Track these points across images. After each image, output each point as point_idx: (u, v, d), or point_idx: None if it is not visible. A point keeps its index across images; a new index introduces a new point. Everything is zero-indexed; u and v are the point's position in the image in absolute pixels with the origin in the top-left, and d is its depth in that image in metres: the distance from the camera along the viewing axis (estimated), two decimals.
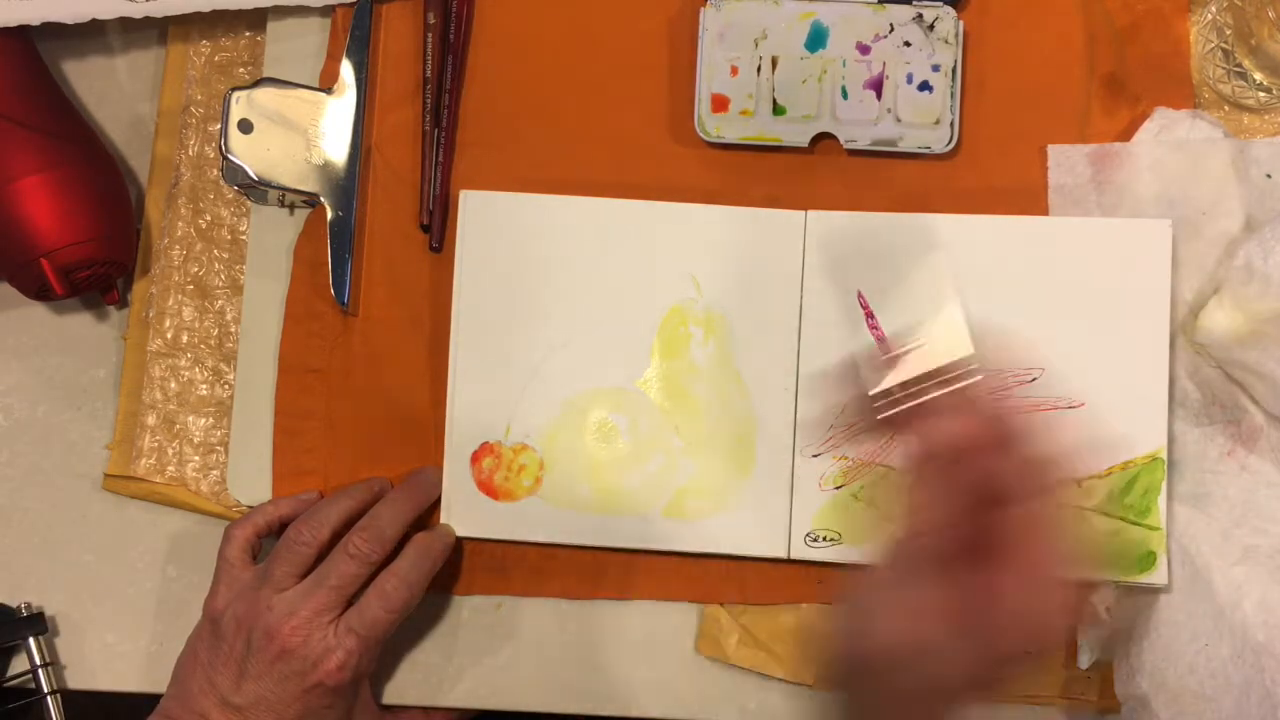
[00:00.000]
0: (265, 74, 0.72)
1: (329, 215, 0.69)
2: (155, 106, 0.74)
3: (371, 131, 0.71)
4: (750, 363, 0.67)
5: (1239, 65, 0.69)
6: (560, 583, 0.69)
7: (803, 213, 0.68)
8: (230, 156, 0.68)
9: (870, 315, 0.67)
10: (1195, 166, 0.67)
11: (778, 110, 0.69)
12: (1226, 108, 0.70)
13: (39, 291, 0.68)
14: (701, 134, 0.69)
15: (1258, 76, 0.68)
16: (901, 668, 0.49)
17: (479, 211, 0.69)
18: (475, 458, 0.68)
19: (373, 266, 0.71)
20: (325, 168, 0.69)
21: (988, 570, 0.48)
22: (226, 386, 0.71)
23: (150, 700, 0.66)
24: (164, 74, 0.74)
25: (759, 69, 0.69)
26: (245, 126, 0.68)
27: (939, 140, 0.68)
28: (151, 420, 0.71)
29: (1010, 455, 0.50)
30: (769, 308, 0.67)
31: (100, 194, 0.69)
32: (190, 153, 0.73)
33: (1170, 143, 0.68)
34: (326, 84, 0.71)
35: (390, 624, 0.64)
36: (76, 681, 0.71)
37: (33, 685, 0.69)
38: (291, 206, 0.71)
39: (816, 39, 0.69)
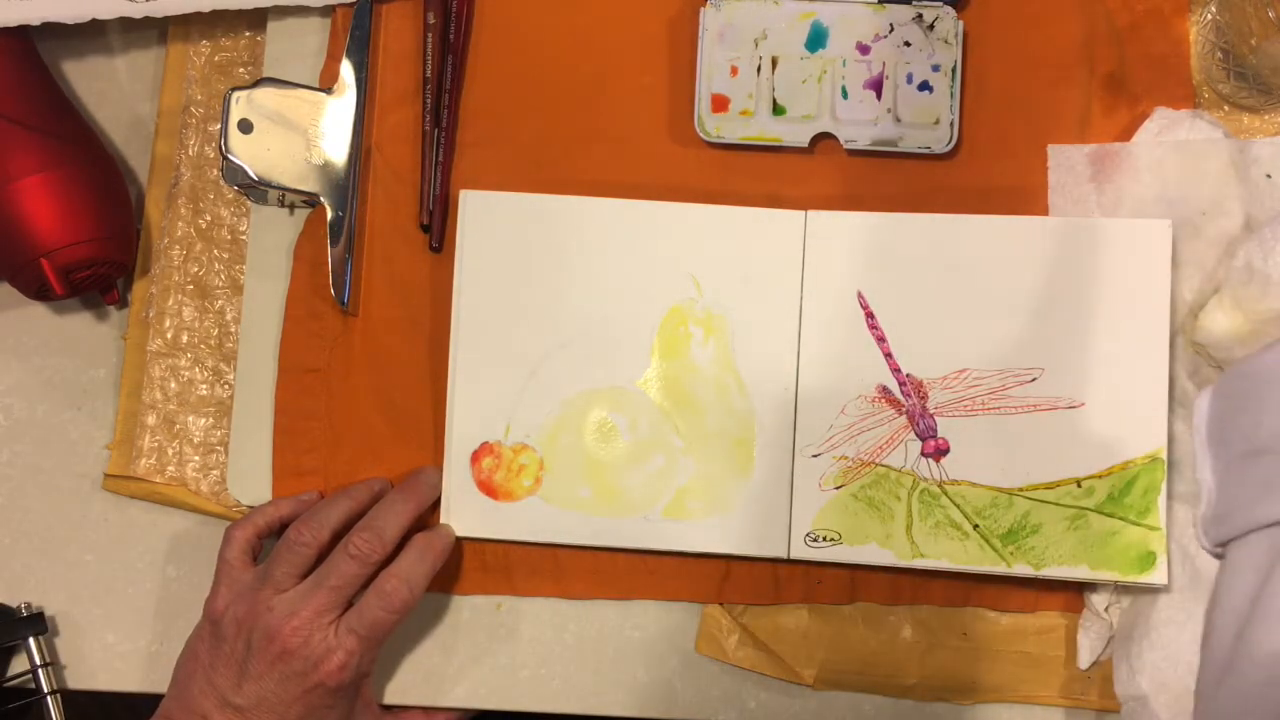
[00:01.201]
0: (265, 74, 0.72)
1: (329, 215, 0.69)
2: (155, 106, 0.74)
3: (371, 131, 0.71)
4: (750, 363, 0.67)
5: (1239, 65, 0.68)
6: (560, 583, 0.69)
7: (803, 213, 0.68)
8: (230, 156, 0.68)
9: (870, 315, 0.67)
10: (1195, 166, 0.67)
11: (778, 110, 0.69)
12: (1226, 108, 0.70)
13: (39, 291, 0.68)
14: (701, 134, 0.69)
15: (1258, 76, 0.68)
16: None
17: (479, 211, 0.69)
18: (475, 458, 0.68)
19: (373, 266, 0.71)
20: (325, 168, 0.69)
21: None
22: (226, 386, 0.71)
23: (150, 700, 0.66)
24: (164, 74, 0.74)
25: (759, 69, 0.69)
26: (245, 126, 0.68)
27: (939, 140, 0.68)
28: (151, 420, 0.71)
29: None
30: (769, 308, 0.67)
31: (100, 194, 0.69)
32: (190, 153, 0.73)
33: (1170, 143, 0.68)
34: (326, 84, 0.71)
35: (391, 624, 0.64)
36: (76, 681, 0.71)
37: (33, 685, 0.69)
38: (291, 206, 0.71)
39: (816, 39, 0.69)
